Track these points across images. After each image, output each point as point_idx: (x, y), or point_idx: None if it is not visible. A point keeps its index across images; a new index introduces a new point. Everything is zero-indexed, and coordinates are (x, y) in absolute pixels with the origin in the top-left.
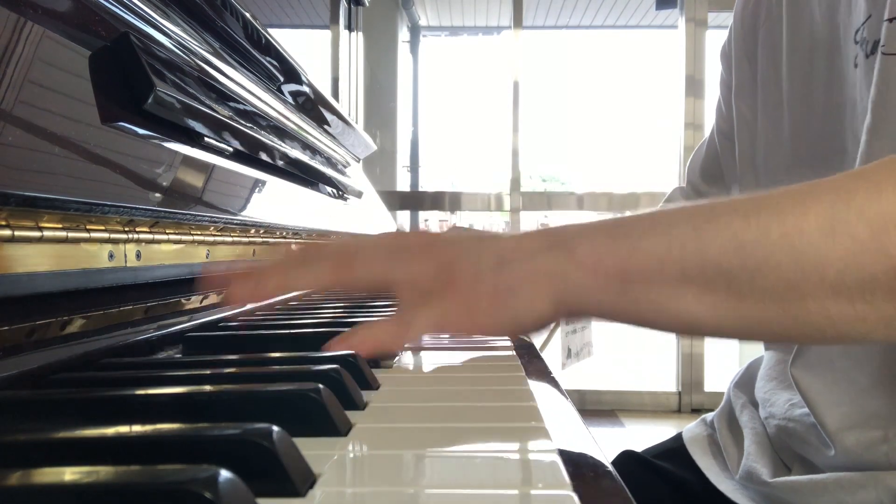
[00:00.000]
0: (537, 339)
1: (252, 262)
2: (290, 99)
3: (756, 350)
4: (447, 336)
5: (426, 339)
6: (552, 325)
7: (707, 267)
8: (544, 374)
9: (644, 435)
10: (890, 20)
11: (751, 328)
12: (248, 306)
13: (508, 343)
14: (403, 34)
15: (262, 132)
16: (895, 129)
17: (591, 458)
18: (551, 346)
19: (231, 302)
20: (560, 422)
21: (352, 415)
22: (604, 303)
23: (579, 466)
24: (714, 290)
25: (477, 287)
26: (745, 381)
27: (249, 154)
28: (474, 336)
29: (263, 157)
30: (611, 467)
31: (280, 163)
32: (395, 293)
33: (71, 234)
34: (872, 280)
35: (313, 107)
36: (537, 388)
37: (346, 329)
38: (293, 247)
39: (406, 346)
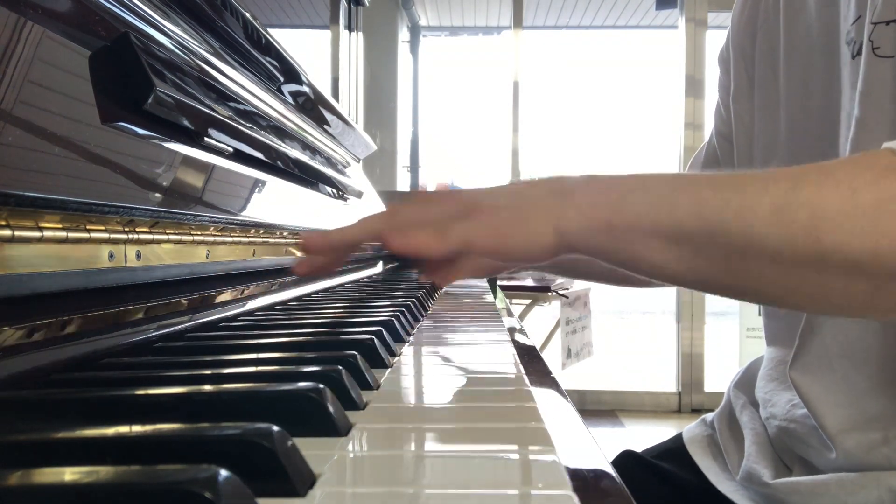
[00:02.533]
0: (538, 339)
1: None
2: (290, 99)
3: (756, 350)
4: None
5: (426, 337)
6: (551, 259)
7: (674, 225)
8: (544, 373)
9: (644, 435)
10: (886, 23)
11: (702, 280)
12: (249, 306)
13: (507, 338)
14: (403, 34)
15: (262, 132)
16: (880, 123)
17: (591, 458)
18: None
19: (301, 267)
20: (560, 422)
21: (352, 415)
22: (593, 243)
23: (579, 466)
24: (677, 245)
25: (497, 213)
26: (746, 382)
27: (249, 154)
28: (499, 255)
29: (263, 157)
30: (611, 468)
31: (280, 163)
32: (427, 230)
33: (71, 234)
34: (804, 258)
35: (313, 107)
36: (538, 389)
37: (346, 329)
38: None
39: (441, 252)
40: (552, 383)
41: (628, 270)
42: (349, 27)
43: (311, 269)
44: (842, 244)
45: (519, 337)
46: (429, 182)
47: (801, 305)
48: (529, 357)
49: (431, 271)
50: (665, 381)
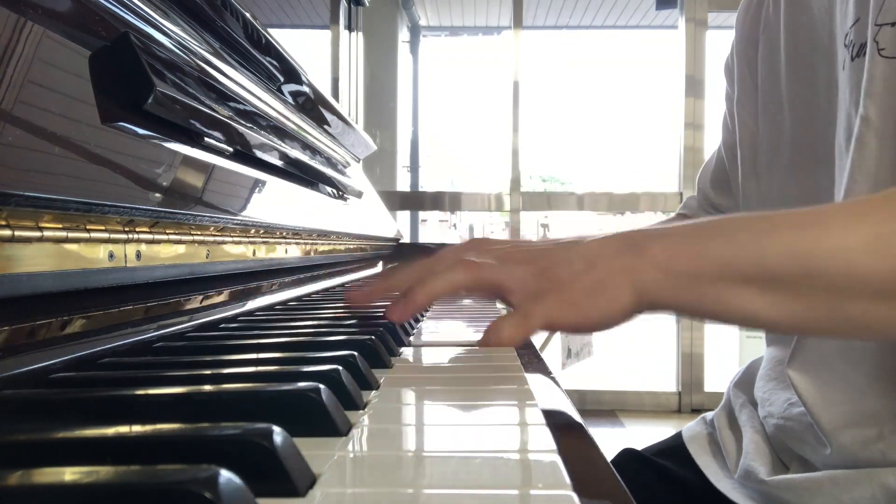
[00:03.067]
0: (538, 340)
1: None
2: (290, 99)
3: (756, 350)
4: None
5: (427, 336)
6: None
7: (766, 271)
8: (544, 373)
9: (644, 435)
10: (892, 24)
11: (802, 323)
12: (249, 306)
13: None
14: (403, 34)
15: (262, 132)
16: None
17: (592, 457)
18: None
19: (390, 317)
20: (561, 423)
21: (352, 415)
22: (675, 297)
23: (579, 466)
24: (771, 291)
25: (574, 286)
26: (745, 381)
27: (249, 154)
28: (579, 331)
29: (263, 157)
30: (610, 466)
31: (280, 163)
32: (507, 296)
33: (71, 234)
34: None
35: (313, 107)
36: (537, 388)
37: (346, 329)
38: (415, 263)
39: (527, 338)
40: (552, 383)
41: (717, 322)
42: (349, 27)
43: (403, 315)
44: None
45: None
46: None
47: None
48: (530, 357)
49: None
50: (665, 381)
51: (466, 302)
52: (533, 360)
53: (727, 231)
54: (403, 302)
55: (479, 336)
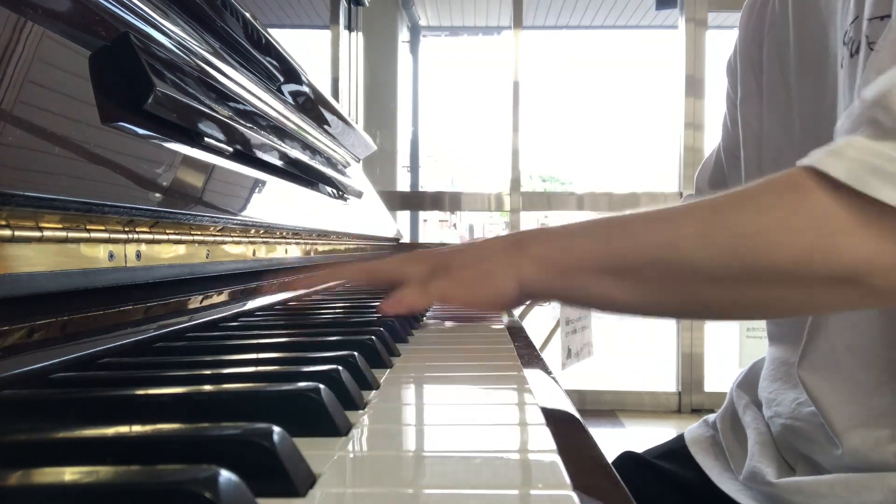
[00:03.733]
0: (537, 337)
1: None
2: (290, 99)
3: (756, 350)
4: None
5: (427, 336)
6: (525, 304)
7: (616, 262)
8: (544, 373)
9: (644, 435)
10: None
11: (651, 307)
12: (249, 306)
13: (507, 337)
14: (403, 34)
15: (262, 132)
16: None
17: (592, 457)
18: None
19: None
20: (561, 423)
21: (352, 415)
22: (549, 288)
23: (579, 467)
24: (622, 279)
25: (465, 272)
26: (748, 382)
27: (249, 154)
28: (471, 305)
29: (263, 157)
30: (610, 466)
31: (280, 163)
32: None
33: (71, 234)
34: (735, 275)
35: (313, 107)
36: (537, 388)
37: (346, 328)
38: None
39: (425, 305)
40: (552, 383)
41: (587, 308)
42: (349, 27)
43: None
44: (762, 258)
45: (518, 337)
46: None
47: (748, 316)
48: (529, 357)
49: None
50: (665, 381)
51: None
52: (533, 360)
53: (591, 229)
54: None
55: (479, 333)
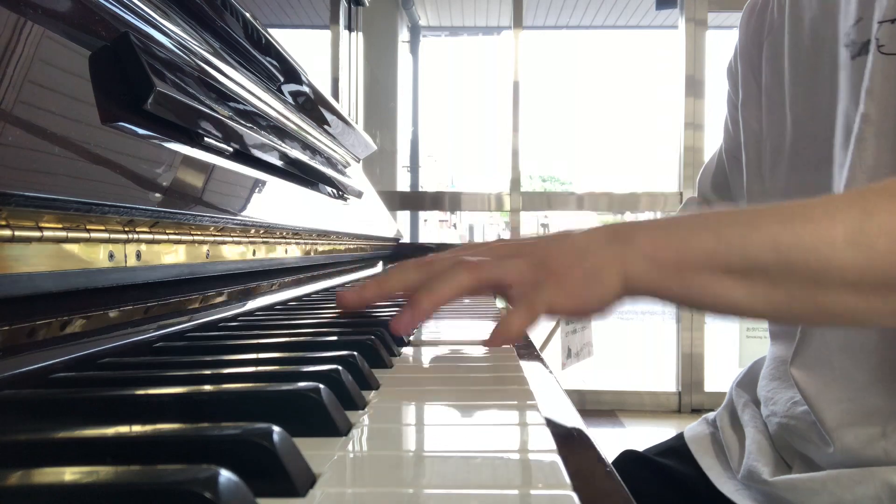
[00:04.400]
0: (540, 336)
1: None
2: (290, 99)
3: (756, 350)
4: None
5: (427, 336)
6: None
7: (746, 262)
8: (544, 373)
9: (644, 435)
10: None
11: (779, 312)
12: (249, 306)
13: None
14: (403, 34)
15: (262, 132)
16: (885, 120)
17: (591, 457)
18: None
19: (396, 330)
20: (561, 423)
21: (352, 415)
22: (660, 286)
23: (579, 467)
24: (752, 280)
25: (569, 274)
26: (748, 381)
27: (249, 154)
28: (577, 315)
29: (263, 157)
30: (610, 466)
31: (280, 163)
32: (507, 289)
33: (71, 234)
34: (885, 282)
35: (313, 107)
36: (537, 387)
37: (346, 329)
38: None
39: (532, 325)
40: (552, 383)
41: (699, 310)
42: (349, 27)
43: (409, 326)
44: None
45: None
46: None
47: (880, 324)
48: (529, 357)
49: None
50: (665, 381)
51: (467, 301)
52: (532, 359)
53: (712, 223)
54: (409, 312)
55: (478, 334)
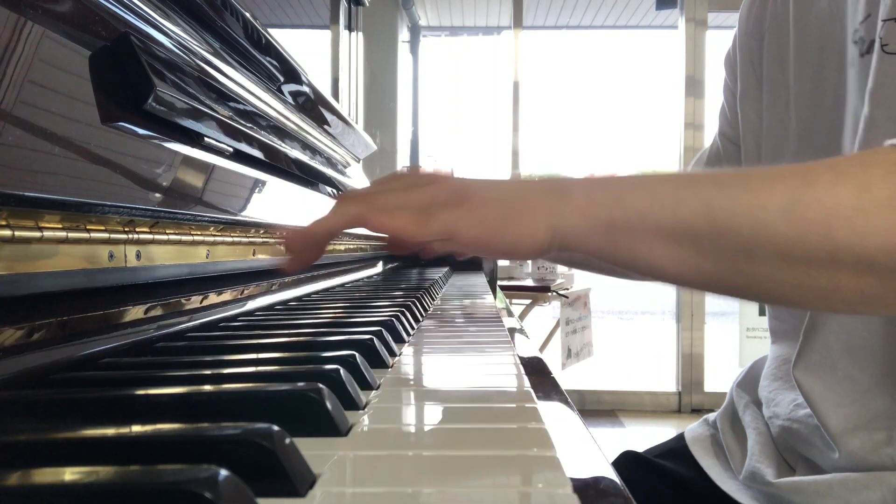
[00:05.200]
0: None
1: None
2: (290, 99)
3: (757, 350)
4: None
5: (427, 337)
6: (543, 256)
7: (678, 224)
8: (544, 373)
9: (644, 435)
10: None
11: (707, 281)
12: (249, 306)
13: (507, 337)
14: (403, 34)
15: (262, 132)
16: (889, 121)
17: (591, 457)
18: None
19: (289, 265)
20: (560, 423)
21: (352, 415)
22: (589, 242)
23: (579, 466)
24: (681, 245)
25: (487, 206)
26: (748, 381)
27: (249, 154)
28: (483, 249)
29: (263, 157)
30: (610, 466)
31: (280, 163)
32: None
33: (71, 234)
34: (815, 256)
35: (313, 107)
36: (537, 387)
37: (346, 329)
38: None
39: (422, 238)
40: (552, 385)
41: (627, 270)
42: (349, 27)
43: (299, 265)
44: (855, 241)
45: (518, 337)
46: (428, 164)
47: (808, 304)
48: (529, 358)
49: (398, 248)
50: (665, 381)
51: (467, 302)
52: (533, 360)
53: (650, 184)
54: (294, 255)
55: (478, 334)
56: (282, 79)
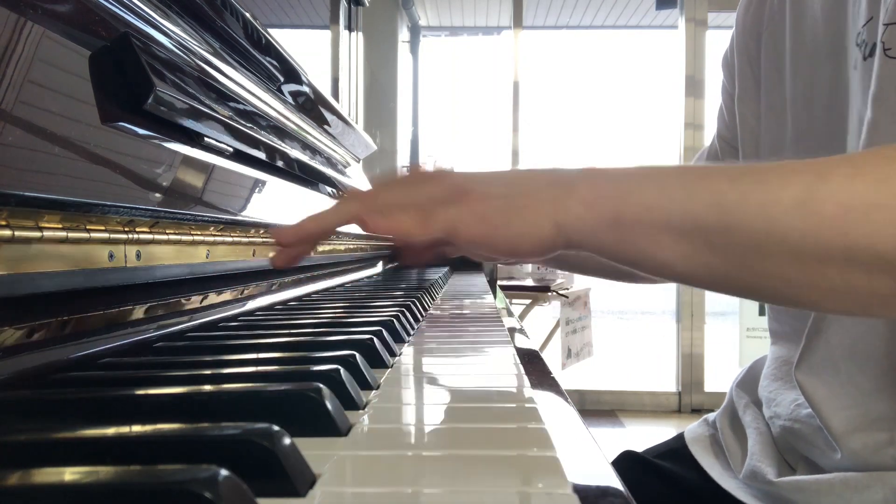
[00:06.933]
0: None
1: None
2: (290, 99)
3: (757, 350)
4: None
5: (427, 337)
6: (547, 256)
7: (688, 219)
8: (544, 373)
9: (644, 435)
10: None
11: (714, 279)
12: (249, 306)
13: (507, 338)
14: (403, 34)
15: (262, 132)
16: (892, 125)
17: (591, 457)
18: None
19: (277, 258)
20: (560, 423)
21: (352, 415)
22: (595, 237)
23: (579, 466)
24: (690, 241)
25: (489, 202)
26: (748, 381)
27: (249, 154)
28: (486, 247)
29: (263, 157)
30: (610, 466)
31: (280, 163)
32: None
33: (71, 235)
34: (828, 253)
35: (313, 107)
36: (536, 386)
37: (346, 329)
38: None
39: (423, 238)
40: (552, 385)
41: (633, 268)
42: (349, 27)
43: (286, 259)
44: (870, 237)
45: (519, 337)
46: (428, 163)
47: (819, 305)
48: (530, 357)
49: (411, 258)
50: (665, 381)
51: (467, 302)
52: (533, 360)
53: (658, 177)
54: (285, 250)
55: (478, 334)
56: (282, 79)
